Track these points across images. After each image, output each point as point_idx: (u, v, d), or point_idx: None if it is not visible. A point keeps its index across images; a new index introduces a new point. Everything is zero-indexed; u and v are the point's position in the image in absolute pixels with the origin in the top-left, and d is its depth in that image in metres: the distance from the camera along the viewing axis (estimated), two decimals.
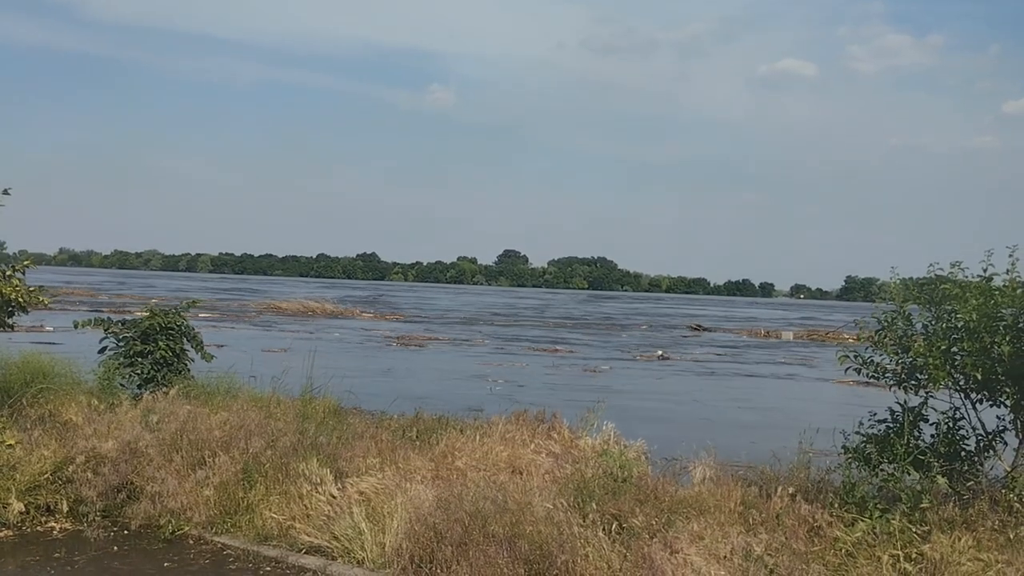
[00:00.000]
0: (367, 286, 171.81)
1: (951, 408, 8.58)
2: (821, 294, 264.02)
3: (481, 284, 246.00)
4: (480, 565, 7.04)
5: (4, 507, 8.73)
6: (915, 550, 6.90)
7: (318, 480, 8.87)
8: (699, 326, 63.45)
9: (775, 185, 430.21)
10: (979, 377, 8.02)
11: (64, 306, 47.31)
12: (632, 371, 31.48)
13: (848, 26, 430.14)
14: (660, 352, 39.46)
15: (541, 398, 20.45)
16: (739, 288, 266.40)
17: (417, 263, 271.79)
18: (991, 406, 8.47)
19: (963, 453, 8.46)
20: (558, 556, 6.97)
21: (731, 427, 18.55)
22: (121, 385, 12.52)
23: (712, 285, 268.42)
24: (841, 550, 7.12)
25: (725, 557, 6.98)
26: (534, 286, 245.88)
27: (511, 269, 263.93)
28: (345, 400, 13.65)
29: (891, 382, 8.66)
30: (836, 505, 7.83)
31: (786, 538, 7.33)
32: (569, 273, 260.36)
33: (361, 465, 9.45)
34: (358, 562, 7.86)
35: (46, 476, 9.15)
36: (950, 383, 8.36)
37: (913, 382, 8.51)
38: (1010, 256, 8.41)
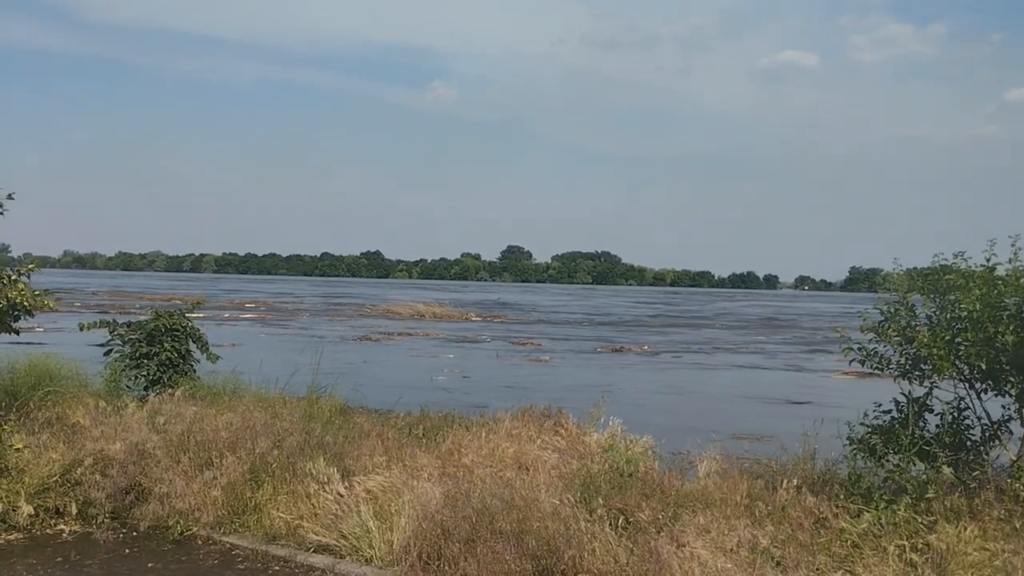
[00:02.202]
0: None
1: (956, 398, 8.57)
2: (825, 285, 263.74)
3: (485, 280, 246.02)
4: (488, 561, 7.06)
5: (14, 510, 8.77)
6: (921, 540, 6.91)
7: (325, 479, 8.90)
8: None
9: (778, 177, 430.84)
10: (983, 367, 8.01)
11: (71, 308, 47.48)
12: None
13: (850, 17, 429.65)
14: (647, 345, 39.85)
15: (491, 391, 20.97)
16: (743, 280, 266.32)
17: (421, 260, 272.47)
18: (996, 395, 8.45)
19: (968, 443, 8.46)
20: (565, 551, 6.99)
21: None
22: (127, 387, 12.56)
23: (717, 278, 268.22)
24: (847, 541, 7.14)
25: (732, 550, 7.00)
26: (538, 281, 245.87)
27: (515, 265, 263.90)
28: (351, 399, 13.69)
29: (895, 373, 8.66)
30: (842, 496, 7.85)
31: (792, 530, 7.35)
32: (573, 268, 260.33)
33: (368, 464, 9.49)
34: (366, 560, 7.89)
35: (55, 479, 9.19)
36: (954, 373, 8.35)
37: (918, 373, 8.50)
38: (1013, 245, 8.40)
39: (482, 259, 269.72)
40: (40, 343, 24.11)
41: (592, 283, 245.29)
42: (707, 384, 26.57)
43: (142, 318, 13.51)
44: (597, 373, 28.00)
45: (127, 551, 8.47)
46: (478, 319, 58.83)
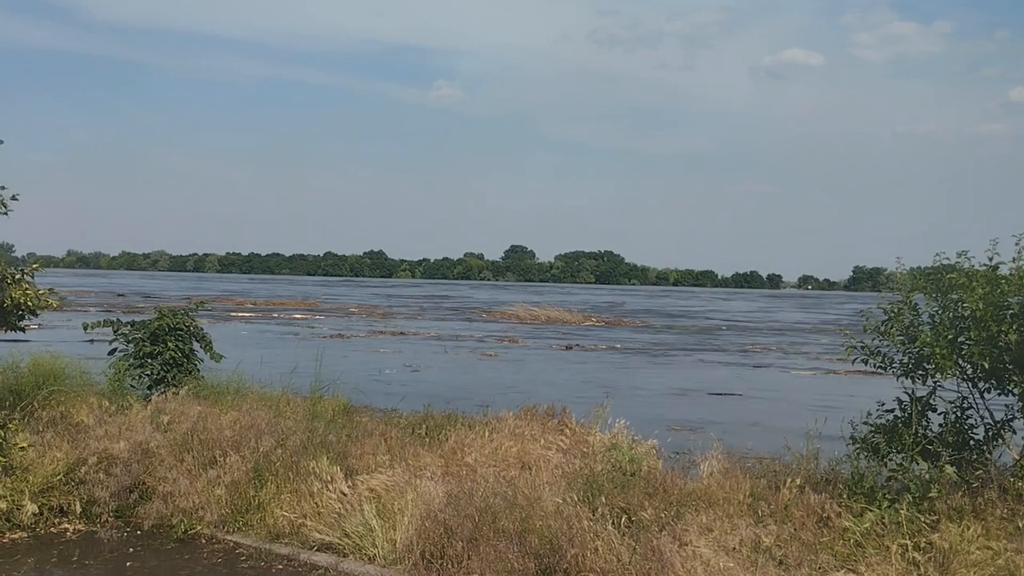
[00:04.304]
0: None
1: (959, 397, 8.57)
2: (829, 285, 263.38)
3: (488, 279, 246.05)
4: (491, 560, 7.08)
5: (18, 509, 8.79)
6: (924, 539, 6.91)
7: (328, 478, 8.91)
8: None
9: (781, 176, 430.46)
10: (986, 366, 8.01)
11: (75, 308, 47.59)
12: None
13: (854, 14, 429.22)
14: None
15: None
16: (747, 280, 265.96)
17: (424, 260, 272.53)
18: (999, 395, 8.46)
19: (971, 442, 8.46)
20: (568, 550, 7.00)
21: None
22: (131, 386, 12.59)
23: (720, 277, 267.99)
24: (850, 540, 7.15)
25: (734, 549, 7.01)
26: (541, 281, 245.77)
27: (518, 264, 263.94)
28: (355, 399, 13.72)
29: (899, 372, 8.66)
30: (845, 496, 7.86)
31: (795, 529, 7.36)
32: (576, 267, 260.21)
33: (371, 462, 9.50)
34: (369, 559, 7.91)
35: (59, 478, 9.21)
36: (957, 372, 8.35)
37: (921, 372, 8.50)
38: (1017, 244, 8.40)
39: (485, 258, 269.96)
40: (26, 340, 24.20)
41: (595, 282, 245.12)
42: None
43: (146, 317, 13.55)
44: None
45: (131, 550, 8.48)
46: (598, 323, 55.81)
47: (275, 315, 55.63)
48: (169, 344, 12.90)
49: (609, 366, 31.12)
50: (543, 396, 19.33)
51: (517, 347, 37.83)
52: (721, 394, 23.57)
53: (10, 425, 9.33)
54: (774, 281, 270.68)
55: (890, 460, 8.32)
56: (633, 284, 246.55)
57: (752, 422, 17.34)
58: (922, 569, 6.63)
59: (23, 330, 10.43)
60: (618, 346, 39.57)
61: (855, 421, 8.81)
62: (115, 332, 13.22)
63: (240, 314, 54.72)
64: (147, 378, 12.79)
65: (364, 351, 33.27)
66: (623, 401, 20.23)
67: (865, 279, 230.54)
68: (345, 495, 8.68)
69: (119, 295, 76.97)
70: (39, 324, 12.57)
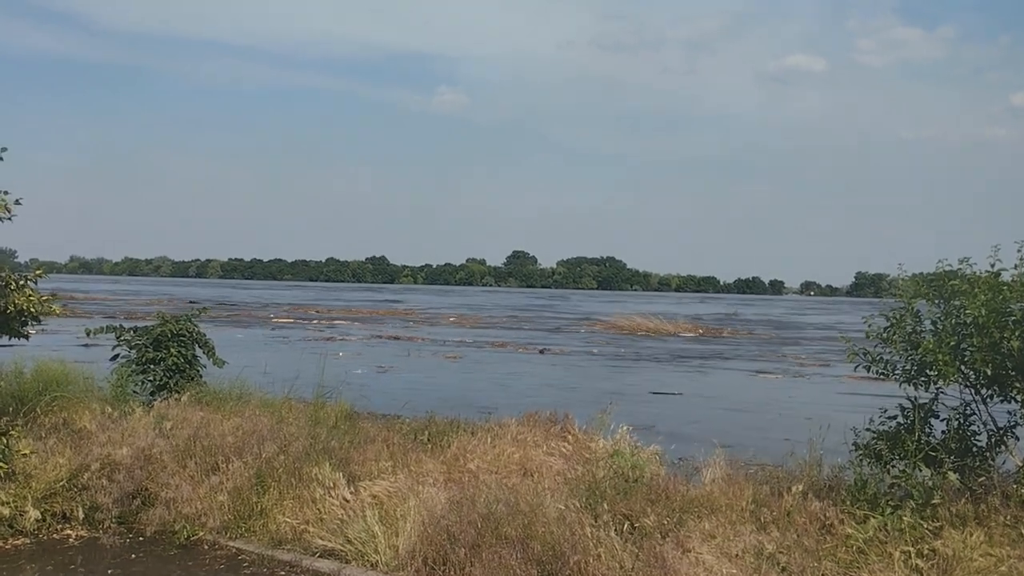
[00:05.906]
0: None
1: (962, 404, 8.56)
2: (831, 291, 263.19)
3: (490, 285, 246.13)
4: (493, 567, 7.07)
5: (21, 515, 8.79)
6: (927, 546, 6.90)
7: (331, 484, 8.91)
8: None
9: (784, 181, 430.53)
10: (989, 372, 8.00)
11: (78, 314, 47.68)
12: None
13: (857, 19, 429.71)
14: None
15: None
16: (749, 286, 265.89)
17: (426, 265, 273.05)
18: (1002, 401, 8.45)
19: (974, 449, 8.44)
20: (570, 557, 7.00)
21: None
22: (134, 392, 12.60)
23: (722, 283, 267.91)
24: (852, 547, 7.13)
25: (737, 555, 7.00)
26: (543, 287, 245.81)
27: (520, 270, 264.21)
28: (357, 404, 13.74)
29: (901, 379, 8.66)
30: (847, 502, 7.84)
31: (797, 535, 7.35)
32: (578, 273, 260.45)
33: (373, 468, 9.50)
34: (372, 565, 7.90)
35: (61, 484, 9.22)
36: (960, 379, 8.34)
37: (923, 378, 8.50)
38: (1019, 251, 8.39)
39: (487, 264, 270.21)
40: (22, 345, 24.16)
41: (597, 288, 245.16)
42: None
43: (149, 323, 13.58)
44: None
45: (133, 556, 8.49)
46: (701, 333, 54.58)
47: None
48: (172, 350, 12.92)
49: (573, 369, 32.05)
50: (489, 395, 21.56)
51: (486, 351, 38.72)
52: (662, 393, 24.92)
53: (13, 431, 9.34)
54: (776, 287, 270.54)
55: (893, 467, 8.30)
56: (635, 290, 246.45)
57: (692, 420, 19.38)
58: None
59: (26, 336, 10.45)
60: (594, 351, 40.11)
61: (857, 427, 8.80)
62: (118, 338, 13.25)
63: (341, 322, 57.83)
64: (150, 384, 12.80)
65: (349, 353, 34.17)
66: (582, 401, 20.84)
67: (867, 285, 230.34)
68: (348, 501, 8.68)
69: (190, 302, 77.36)
70: (43, 329, 12.61)
